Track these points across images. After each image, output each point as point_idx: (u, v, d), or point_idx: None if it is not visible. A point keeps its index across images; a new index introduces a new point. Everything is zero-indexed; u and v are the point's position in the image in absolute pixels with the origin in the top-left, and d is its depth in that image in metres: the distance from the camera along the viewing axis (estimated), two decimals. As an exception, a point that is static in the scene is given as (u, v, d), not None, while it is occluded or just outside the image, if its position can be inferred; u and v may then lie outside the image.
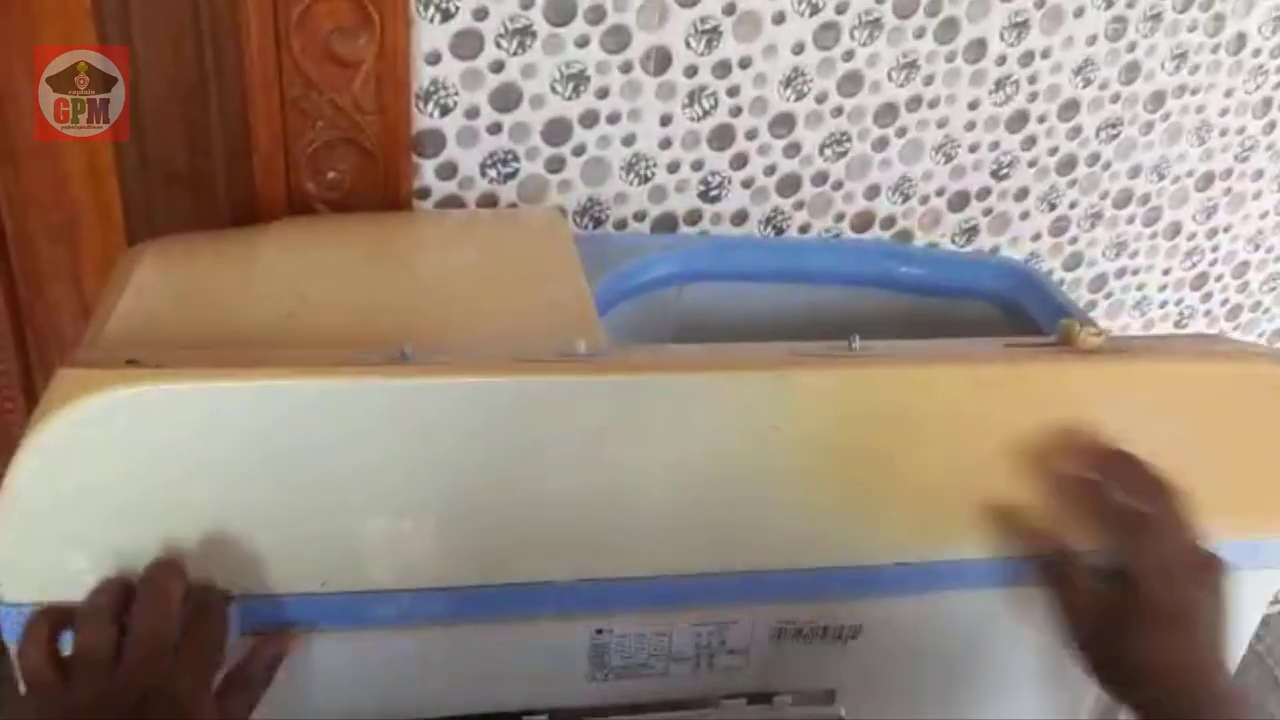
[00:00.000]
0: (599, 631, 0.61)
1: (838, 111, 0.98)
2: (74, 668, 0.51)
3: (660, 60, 0.90)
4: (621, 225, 0.98)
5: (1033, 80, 1.02)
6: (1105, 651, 0.55)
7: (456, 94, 0.87)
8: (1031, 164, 1.08)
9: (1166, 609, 0.54)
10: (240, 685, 0.55)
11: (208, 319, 0.63)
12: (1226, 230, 1.23)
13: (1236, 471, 0.65)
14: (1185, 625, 0.54)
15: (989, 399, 0.56)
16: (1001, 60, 1.00)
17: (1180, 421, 0.63)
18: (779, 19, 0.92)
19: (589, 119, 0.91)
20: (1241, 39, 1.08)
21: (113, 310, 0.64)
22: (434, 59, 0.85)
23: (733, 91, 0.94)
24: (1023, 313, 0.87)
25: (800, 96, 0.96)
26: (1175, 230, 1.20)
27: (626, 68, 0.90)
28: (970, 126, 1.03)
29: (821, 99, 0.97)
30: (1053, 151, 1.08)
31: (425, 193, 0.90)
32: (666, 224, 0.99)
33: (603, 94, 0.90)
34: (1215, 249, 1.24)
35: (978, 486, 0.62)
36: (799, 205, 1.02)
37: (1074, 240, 1.16)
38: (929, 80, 0.99)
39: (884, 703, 0.69)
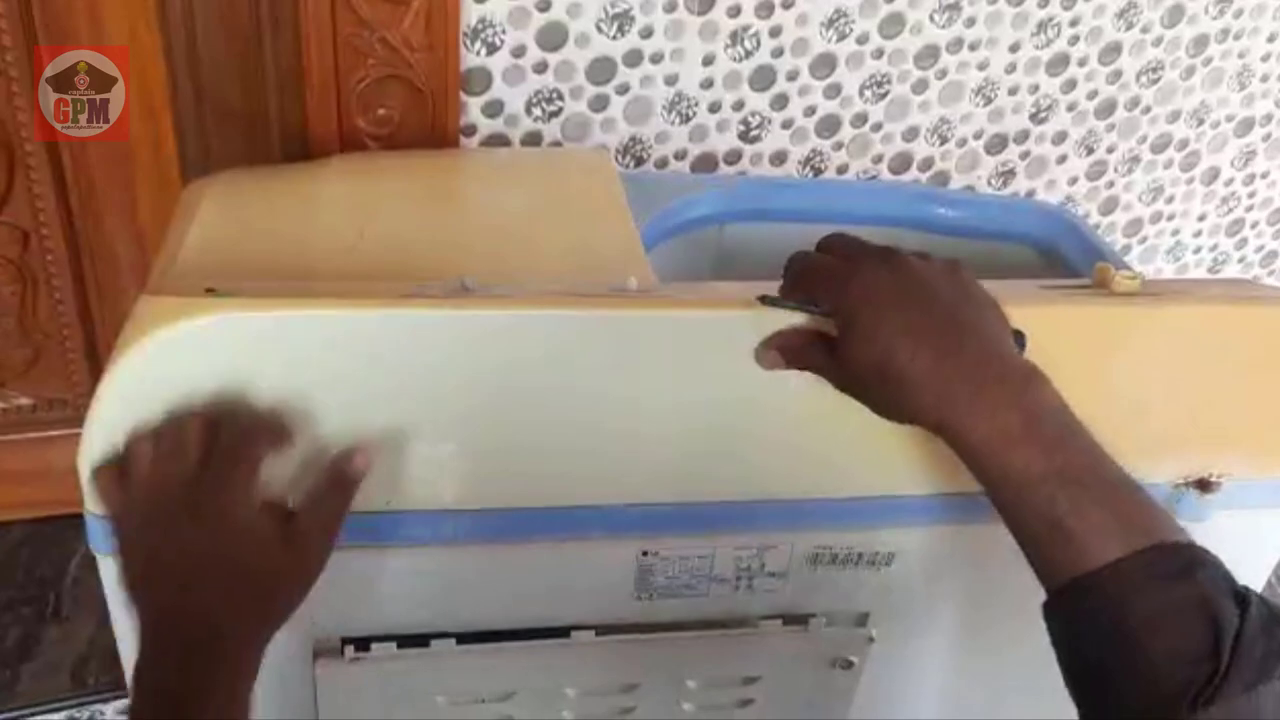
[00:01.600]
0: (645, 553, 0.64)
1: (879, 53, 0.99)
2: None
3: (704, 0, 0.91)
4: (662, 164, 0.99)
5: (1074, 23, 1.02)
6: (847, 377, 0.56)
7: (503, 32, 0.88)
8: (1070, 107, 1.08)
9: (846, 314, 0.54)
10: (313, 502, 0.56)
11: (273, 251, 0.65)
12: (1264, 176, 1.23)
13: (1261, 412, 0.67)
14: (873, 322, 0.53)
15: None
16: (1044, 2, 1.00)
17: (1211, 364, 0.65)
18: (824, -41, 0.92)
19: (633, 58, 0.92)
20: (1288, -17, 1.07)
21: (182, 242, 0.66)
22: (482, -3, 0.86)
23: (775, 32, 0.95)
24: (1059, 257, 0.88)
25: (842, 38, 0.97)
26: (1213, 176, 1.20)
27: (670, 7, 0.90)
28: (1010, 69, 1.04)
29: (863, 40, 0.97)
30: (1092, 95, 1.08)
31: (472, 129, 0.92)
32: (707, 163, 1.00)
33: (647, 33, 0.91)
34: (1252, 195, 1.24)
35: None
36: (838, 146, 1.03)
37: (1110, 184, 1.17)
38: (970, 22, 0.99)
39: (915, 627, 0.72)
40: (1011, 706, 0.79)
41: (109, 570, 0.60)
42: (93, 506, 0.57)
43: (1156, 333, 0.63)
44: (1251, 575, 0.75)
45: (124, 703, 1.02)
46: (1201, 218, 1.24)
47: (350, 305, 0.54)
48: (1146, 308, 0.62)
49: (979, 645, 0.75)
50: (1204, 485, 0.67)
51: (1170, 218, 1.22)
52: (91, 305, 1.05)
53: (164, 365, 0.53)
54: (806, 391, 0.60)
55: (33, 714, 1.02)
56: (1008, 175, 1.12)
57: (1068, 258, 0.87)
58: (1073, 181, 1.15)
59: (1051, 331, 0.61)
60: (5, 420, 1.10)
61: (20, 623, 1.06)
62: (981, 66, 1.03)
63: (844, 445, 0.62)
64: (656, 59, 0.93)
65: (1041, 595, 0.72)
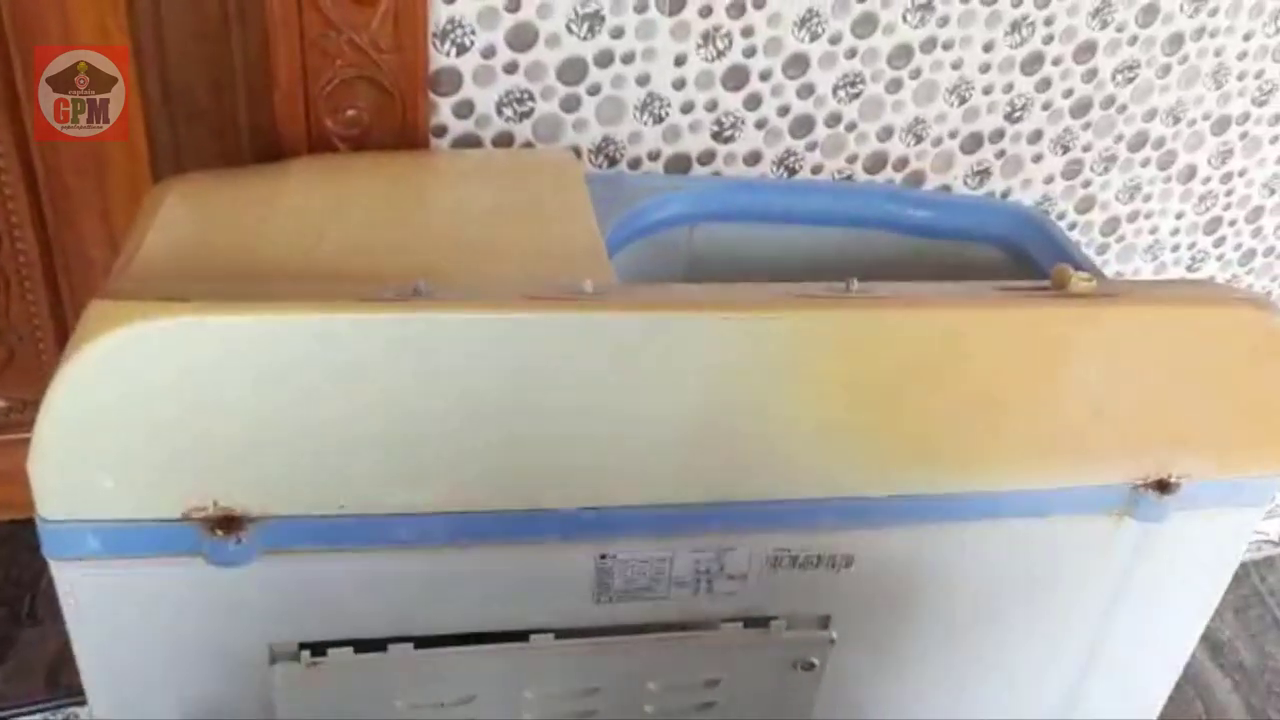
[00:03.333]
0: (603, 557, 0.64)
1: (852, 53, 0.98)
2: None
3: (675, 0, 0.91)
4: (635, 164, 0.99)
5: (1049, 22, 1.02)
6: None
7: (473, 33, 0.88)
8: (1045, 106, 1.08)
9: None
10: None
11: (232, 254, 0.65)
12: (1241, 174, 1.22)
13: (1218, 412, 0.67)
14: None
15: (979, 341, 0.58)
16: (1018, 2, 1.00)
17: (1163, 363, 0.64)
18: (793, -40, 0.92)
19: (604, 59, 0.92)
20: (1263, -19, 1.07)
21: (141, 244, 0.66)
22: (451, -2, 0.86)
23: (747, 32, 0.94)
24: (1028, 257, 0.88)
25: (815, 37, 0.96)
26: (1190, 174, 1.20)
27: (641, 7, 0.90)
28: (985, 69, 1.03)
29: (836, 40, 0.97)
30: (1067, 94, 1.08)
31: (442, 130, 0.92)
32: (680, 164, 1.00)
33: (618, 34, 0.91)
34: (1229, 193, 1.24)
35: (968, 424, 0.64)
36: (812, 146, 1.03)
37: (1087, 184, 1.16)
38: (944, 22, 0.99)
39: (875, 628, 0.72)
40: (972, 706, 0.79)
41: (63, 576, 0.60)
42: (44, 512, 0.57)
43: (1112, 334, 0.63)
44: (1212, 575, 0.75)
45: (97, 705, 1.01)
46: (1179, 216, 1.23)
47: (297, 310, 0.54)
48: (1101, 308, 0.62)
49: (940, 645, 0.75)
50: (1163, 486, 0.67)
51: (1148, 216, 1.22)
52: (65, 306, 1.05)
53: (112, 370, 0.53)
54: (763, 394, 0.60)
55: (8, 716, 1.02)
56: (983, 174, 1.11)
57: (1036, 258, 0.87)
58: (1049, 180, 1.14)
59: (1008, 333, 0.61)
60: (-21, 422, 1.10)
61: (-5, 625, 1.06)
62: (956, 66, 1.02)
63: (802, 447, 0.62)
64: (628, 59, 0.93)
65: (1000, 595, 0.72)
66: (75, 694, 1.03)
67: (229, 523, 0.58)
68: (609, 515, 0.62)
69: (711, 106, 0.98)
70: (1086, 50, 1.05)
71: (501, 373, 0.58)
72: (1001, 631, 0.75)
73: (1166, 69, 1.10)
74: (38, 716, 1.02)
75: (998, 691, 0.79)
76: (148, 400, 0.54)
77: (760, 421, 0.61)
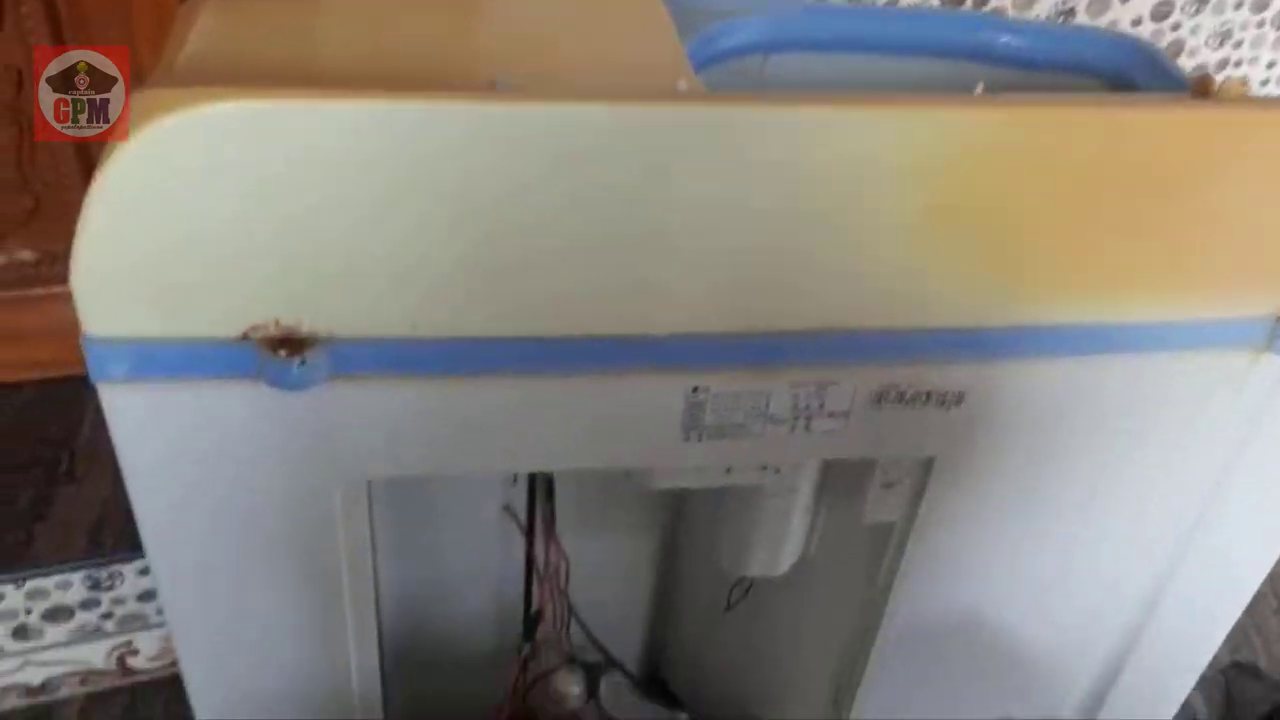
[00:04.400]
0: (695, 389, 0.59)
1: None
2: None
3: None
4: (706, -11, 0.91)
5: None
6: None
7: None
8: (1141, -63, 1.00)
9: None
10: None
11: (279, 60, 0.59)
12: (1343, 18, 1.14)
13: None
14: None
15: (1120, 146, 0.51)
16: None
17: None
18: None
19: None
20: None
21: (181, 52, 0.60)
22: None
23: None
24: (1135, 91, 0.81)
25: None
26: (1287, 17, 1.12)
27: None
28: (1080, -109, 0.95)
29: None
30: (1166, -78, 1.00)
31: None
32: (753, -11, 0.92)
33: None
34: (1327, 39, 1.15)
35: (1097, 247, 0.58)
36: (891, -25, 0.96)
37: (1176, 26, 1.08)
38: None
39: (982, 471, 0.67)
40: (1074, 564, 0.75)
41: (111, 402, 0.55)
42: (89, 329, 0.52)
43: (1267, 144, 0.56)
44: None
45: (144, 563, 0.99)
46: (1270, 65, 1.15)
47: (370, 98, 0.48)
48: (1259, 112, 0.55)
49: (1045, 494, 0.70)
50: (1312, 318, 0.61)
51: (1238, 64, 1.14)
52: (92, 150, 0.99)
53: (163, 163, 0.48)
54: (876, 209, 0.54)
55: (51, 574, 1.00)
56: (1068, 14, 1.04)
57: (1145, 93, 0.79)
58: (1137, 22, 1.06)
59: (1149, 140, 0.55)
60: (7, 276, 1.05)
61: (32, 484, 1.02)
62: (1048, -112, 0.94)
63: (914, 269, 0.56)
64: None
65: (1119, 438, 0.67)
66: (118, 552, 1.01)
67: (292, 343, 0.53)
68: (702, 343, 0.57)
69: (786, -73, 0.90)
70: (1190, -128, 0.96)
71: (588, 178, 0.52)
72: (1116, 480, 0.70)
73: (1275, -105, 1.01)
74: (81, 574, 0.99)
75: (1103, 548, 0.75)
76: (203, 200, 0.48)
77: (869, 238, 0.55)
